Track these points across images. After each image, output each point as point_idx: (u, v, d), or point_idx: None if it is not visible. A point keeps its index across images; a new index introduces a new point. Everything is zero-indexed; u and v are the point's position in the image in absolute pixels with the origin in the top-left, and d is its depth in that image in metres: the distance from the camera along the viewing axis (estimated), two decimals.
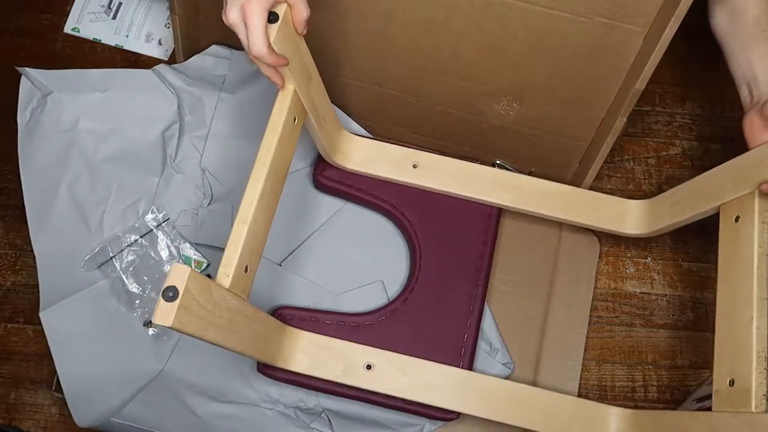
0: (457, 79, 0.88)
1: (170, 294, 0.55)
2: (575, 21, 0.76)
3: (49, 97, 0.91)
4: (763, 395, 0.68)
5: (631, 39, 0.77)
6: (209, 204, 0.93)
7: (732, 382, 0.71)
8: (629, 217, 0.91)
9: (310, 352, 0.82)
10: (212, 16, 0.94)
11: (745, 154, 0.77)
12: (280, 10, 0.65)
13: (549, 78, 0.85)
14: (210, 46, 0.98)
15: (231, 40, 0.97)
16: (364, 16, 0.83)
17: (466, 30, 0.81)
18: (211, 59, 0.96)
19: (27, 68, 0.89)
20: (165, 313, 0.54)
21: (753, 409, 0.68)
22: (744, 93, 0.79)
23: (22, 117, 0.90)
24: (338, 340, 0.83)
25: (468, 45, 0.83)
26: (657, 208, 0.89)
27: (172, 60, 1.06)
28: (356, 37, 0.86)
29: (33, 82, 0.90)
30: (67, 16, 1.10)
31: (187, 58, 0.98)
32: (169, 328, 0.54)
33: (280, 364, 0.80)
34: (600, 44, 0.79)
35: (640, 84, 0.78)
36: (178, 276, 0.55)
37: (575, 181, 0.98)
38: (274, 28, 0.64)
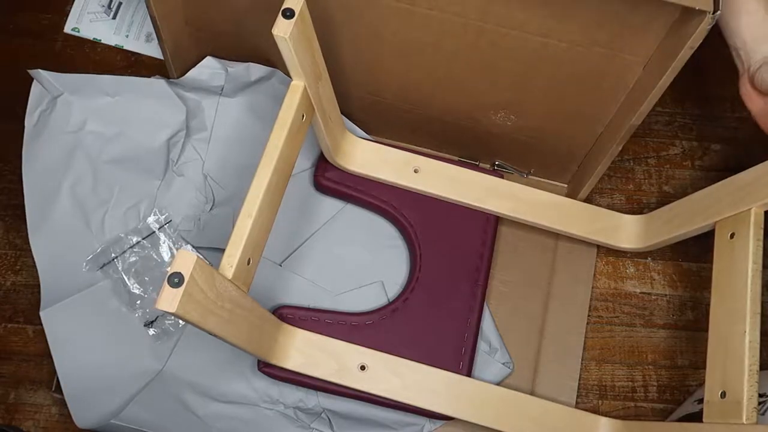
0: (452, 94, 0.88)
1: (175, 280, 0.55)
2: (572, 50, 0.75)
3: (59, 98, 0.91)
4: (755, 407, 0.69)
5: (631, 67, 0.76)
6: (211, 209, 0.93)
7: (723, 394, 0.71)
8: (624, 231, 0.92)
9: (305, 351, 0.82)
10: (203, 30, 0.93)
11: (742, 173, 0.78)
12: (297, 6, 0.65)
13: (546, 96, 0.84)
14: (203, 58, 0.97)
15: (223, 51, 0.96)
16: (354, 33, 0.83)
17: (459, 51, 0.80)
18: (207, 71, 0.96)
19: (39, 70, 0.89)
20: (169, 299, 0.55)
21: (744, 421, 0.69)
22: (737, 59, 0.76)
23: (30, 119, 0.90)
24: (334, 340, 0.83)
25: (462, 64, 0.82)
26: (653, 223, 0.90)
27: None
28: (347, 52, 0.86)
29: (44, 84, 0.90)
30: (67, 15, 1.10)
31: (180, 76, 0.97)
32: (172, 314, 0.55)
33: (274, 361, 0.80)
34: (598, 70, 0.78)
35: (636, 120, 0.78)
36: (184, 262, 0.56)
37: (574, 182, 0.99)
38: (290, 23, 0.65)
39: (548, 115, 0.88)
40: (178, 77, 0.97)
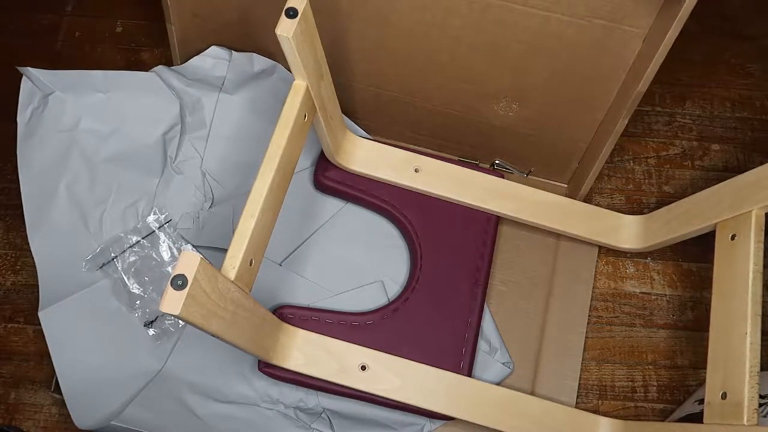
0: (456, 81, 0.88)
1: (179, 282, 0.54)
2: (574, 24, 0.76)
3: (50, 96, 0.91)
4: (755, 409, 0.69)
5: (631, 41, 0.77)
6: (210, 207, 0.93)
7: (724, 395, 0.72)
8: (625, 231, 0.92)
9: (306, 351, 0.82)
10: (209, 21, 0.93)
11: (743, 174, 0.78)
12: (300, 5, 0.65)
13: (548, 79, 0.85)
14: (208, 47, 0.98)
15: (228, 42, 0.97)
16: (361, 20, 0.83)
17: (464, 33, 0.81)
18: (210, 60, 0.96)
19: (29, 68, 0.89)
20: (173, 302, 0.54)
21: (745, 422, 0.69)
22: None
23: (22, 117, 0.90)
24: (335, 340, 0.83)
25: (466, 48, 0.83)
26: (653, 223, 0.90)
27: None
28: (354, 40, 0.86)
29: (34, 81, 0.90)
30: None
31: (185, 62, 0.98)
32: (175, 316, 0.54)
33: (275, 361, 0.80)
34: (599, 46, 0.79)
35: (642, 86, 0.78)
36: (188, 264, 0.55)
37: (574, 181, 0.99)
38: (293, 22, 0.65)
39: (550, 102, 0.88)
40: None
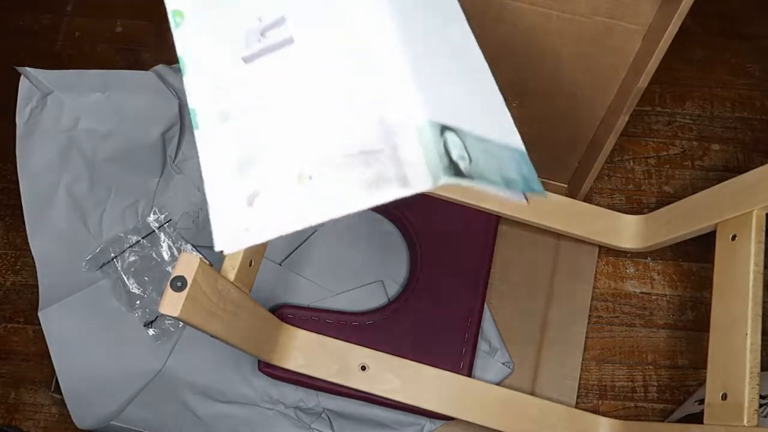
0: None
1: (178, 284, 0.55)
2: (575, 21, 0.76)
3: (49, 96, 0.91)
4: (755, 410, 0.69)
5: (631, 38, 0.77)
6: None
7: (724, 396, 0.71)
8: (625, 231, 0.92)
9: (306, 351, 0.82)
10: None
11: (744, 175, 0.78)
12: None
13: (548, 77, 0.85)
14: None
15: None
16: None
17: None
18: None
19: (27, 68, 0.89)
20: (172, 303, 0.55)
21: (745, 423, 0.69)
22: None
23: (21, 117, 0.90)
24: (335, 340, 0.83)
25: None
26: (653, 223, 0.90)
27: None
28: None
29: (33, 81, 0.90)
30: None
31: None
32: (175, 318, 0.55)
33: (275, 362, 0.80)
34: (599, 43, 0.79)
35: (643, 82, 0.78)
36: (187, 266, 0.56)
37: (575, 181, 0.98)
38: None
39: (550, 101, 0.87)
40: None
